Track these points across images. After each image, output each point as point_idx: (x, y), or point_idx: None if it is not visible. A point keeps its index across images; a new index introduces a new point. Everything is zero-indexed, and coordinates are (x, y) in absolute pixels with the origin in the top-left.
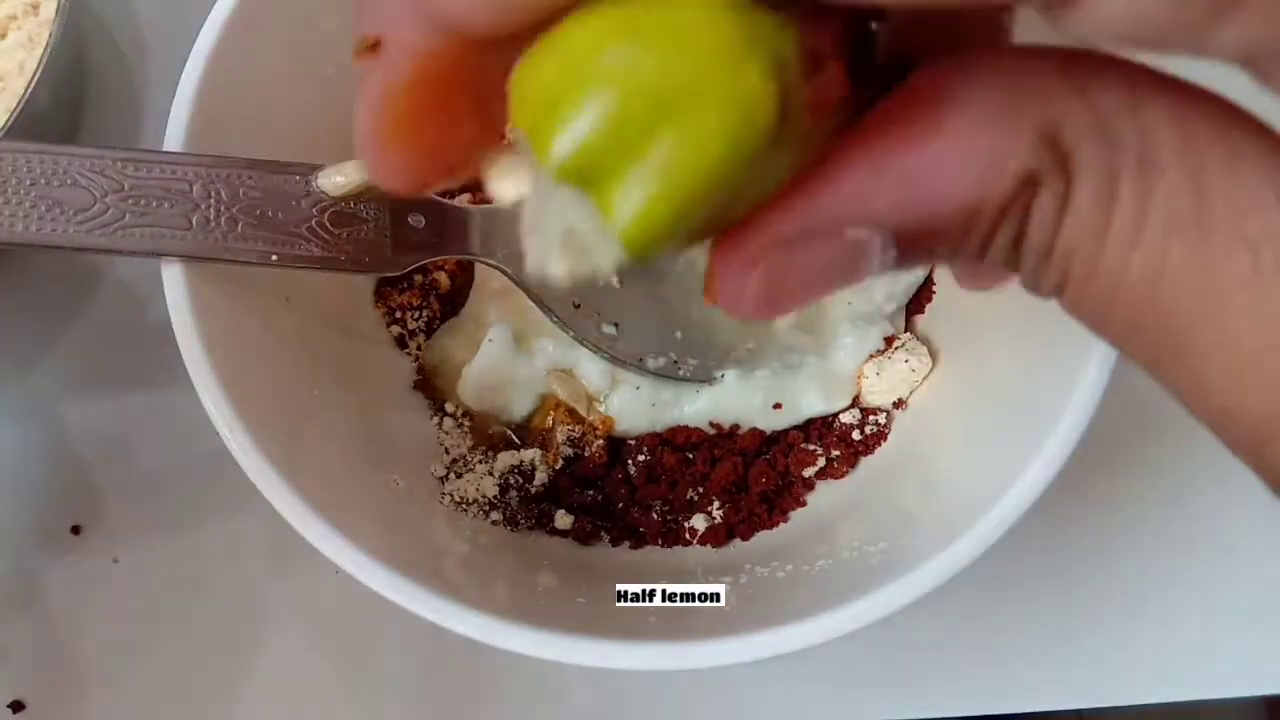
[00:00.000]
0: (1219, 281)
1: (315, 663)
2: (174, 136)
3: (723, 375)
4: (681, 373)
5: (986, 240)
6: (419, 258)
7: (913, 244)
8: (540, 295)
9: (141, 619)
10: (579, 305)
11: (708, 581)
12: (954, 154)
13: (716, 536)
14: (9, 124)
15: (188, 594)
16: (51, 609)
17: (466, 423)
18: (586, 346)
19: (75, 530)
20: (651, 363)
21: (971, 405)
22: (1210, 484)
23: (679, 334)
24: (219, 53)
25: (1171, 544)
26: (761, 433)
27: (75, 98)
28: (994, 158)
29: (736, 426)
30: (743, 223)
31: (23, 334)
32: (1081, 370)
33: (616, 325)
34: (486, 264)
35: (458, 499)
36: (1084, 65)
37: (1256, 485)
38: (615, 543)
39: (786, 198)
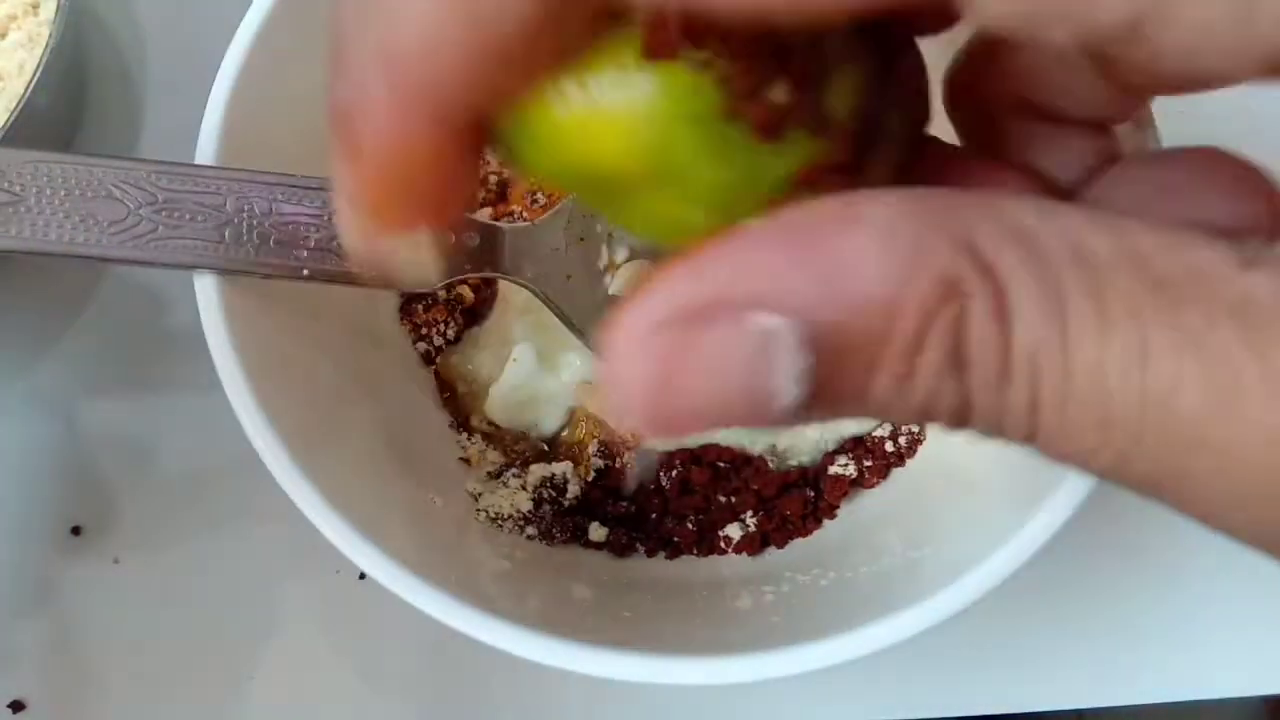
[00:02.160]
0: (1222, 382)
1: (317, 665)
2: (205, 149)
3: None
4: None
5: (911, 356)
6: (451, 275)
7: (829, 364)
8: (570, 316)
9: (142, 620)
10: None
11: (747, 591)
12: (871, 246)
13: (752, 545)
14: (9, 124)
15: (189, 595)
16: (52, 609)
17: (505, 437)
18: None
19: (76, 531)
20: None
21: None
22: None
23: None
24: (249, 63)
25: (1171, 542)
26: None
27: (75, 98)
28: (911, 254)
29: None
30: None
31: (26, 329)
32: None
33: None
34: (518, 283)
35: (492, 515)
36: (992, 193)
37: None
38: (650, 554)
39: (697, 257)
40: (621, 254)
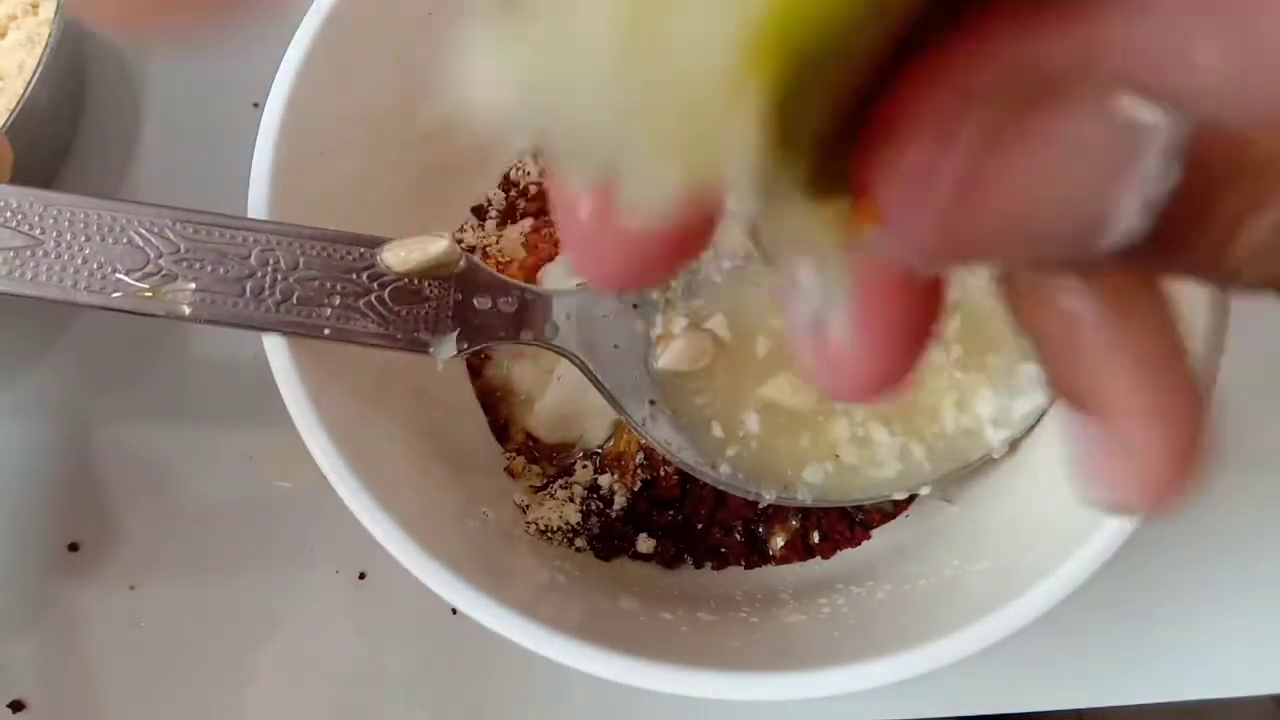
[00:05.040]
0: None
1: (318, 666)
2: (257, 194)
3: (806, 499)
4: (753, 493)
5: None
6: (481, 341)
7: (1198, 192)
8: (612, 389)
9: (141, 621)
10: (654, 402)
11: (798, 603)
12: None
13: (797, 550)
14: (8, 124)
15: (188, 597)
16: (51, 612)
17: (542, 449)
18: (656, 448)
19: (73, 547)
20: (725, 469)
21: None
22: (1217, 480)
23: (754, 444)
24: (289, 115)
25: (1179, 539)
26: None
27: (75, 98)
28: None
29: None
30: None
31: (25, 327)
32: None
33: (690, 428)
34: (558, 351)
35: (541, 527)
36: None
37: (1266, 476)
38: (698, 565)
39: (1020, 18)
40: (679, 324)
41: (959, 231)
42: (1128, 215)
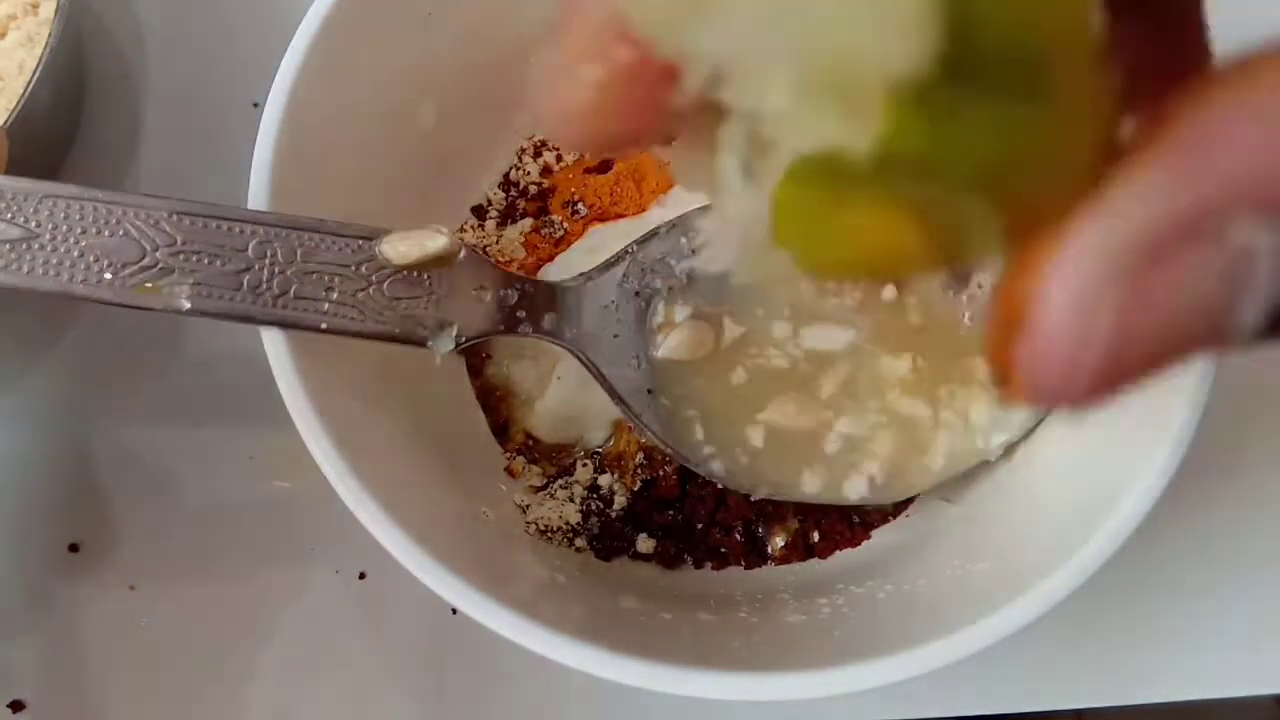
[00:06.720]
0: None
1: (317, 665)
2: (257, 193)
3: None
4: (747, 488)
5: None
6: (481, 334)
7: None
8: (612, 380)
9: (141, 621)
10: (652, 391)
11: (798, 603)
12: None
13: (797, 550)
14: (8, 123)
15: (187, 597)
16: (51, 612)
17: (542, 449)
18: (653, 440)
19: (73, 547)
20: (718, 465)
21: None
22: (1216, 480)
23: (758, 444)
24: (289, 114)
25: (1179, 539)
26: None
27: (75, 98)
28: None
29: None
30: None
31: (24, 328)
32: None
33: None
34: (555, 343)
35: (541, 527)
36: None
37: (1263, 480)
38: (698, 565)
39: (1135, 174)
40: (681, 313)
41: (1108, 379)
42: (1247, 319)
